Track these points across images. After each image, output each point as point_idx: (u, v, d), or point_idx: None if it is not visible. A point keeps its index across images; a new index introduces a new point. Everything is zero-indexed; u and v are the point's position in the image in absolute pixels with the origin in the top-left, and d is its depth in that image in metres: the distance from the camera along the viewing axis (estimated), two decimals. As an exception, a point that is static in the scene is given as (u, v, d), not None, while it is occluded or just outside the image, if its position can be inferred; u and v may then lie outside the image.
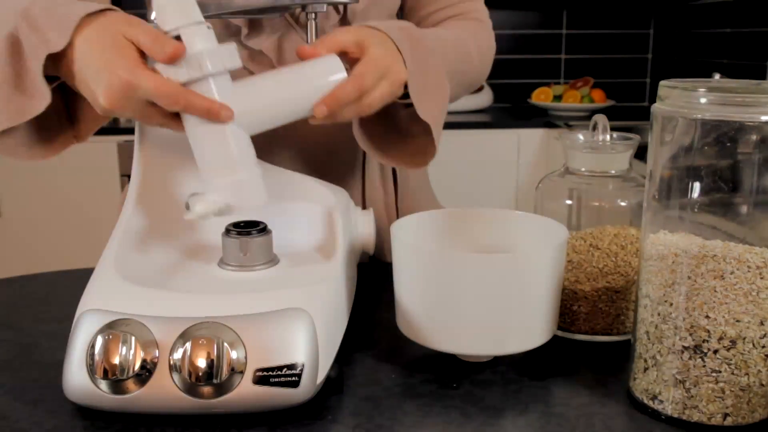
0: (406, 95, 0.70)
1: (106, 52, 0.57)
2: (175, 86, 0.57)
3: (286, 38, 0.83)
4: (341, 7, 0.84)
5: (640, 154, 0.67)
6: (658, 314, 0.54)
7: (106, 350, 0.53)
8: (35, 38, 0.59)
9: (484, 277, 0.57)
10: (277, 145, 0.84)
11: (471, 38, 0.88)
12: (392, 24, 0.71)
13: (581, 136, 0.69)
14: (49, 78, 0.61)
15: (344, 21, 0.85)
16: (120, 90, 0.56)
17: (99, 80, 0.57)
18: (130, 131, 2.34)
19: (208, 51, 0.59)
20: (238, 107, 0.61)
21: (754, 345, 0.51)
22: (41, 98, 0.59)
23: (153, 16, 0.68)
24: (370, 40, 0.66)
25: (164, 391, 0.53)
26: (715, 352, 0.51)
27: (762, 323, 0.50)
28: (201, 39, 0.59)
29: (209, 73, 0.59)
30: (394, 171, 0.94)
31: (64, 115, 0.67)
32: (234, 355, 0.52)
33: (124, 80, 0.56)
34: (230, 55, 0.60)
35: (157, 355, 0.53)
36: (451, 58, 0.80)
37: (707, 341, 0.51)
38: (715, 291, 0.51)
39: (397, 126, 0.76)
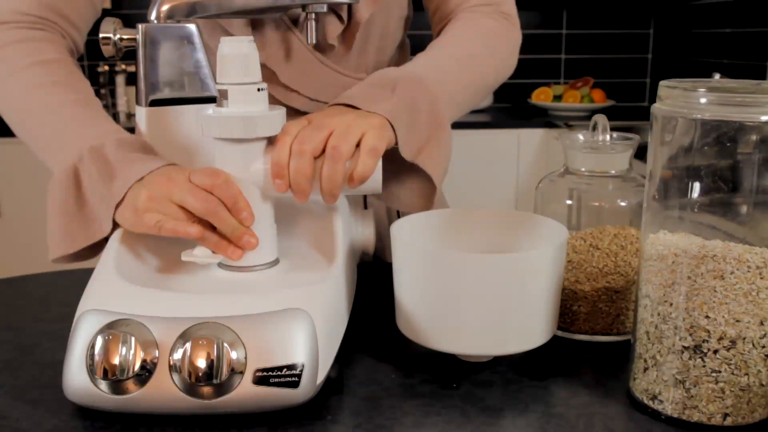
0: None
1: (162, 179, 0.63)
2: (206, 194, 0.60)
3: (287, 47, 0.83)
4: (345, 16, 0.83)
5: (640, 154, 0.67)
6: (658, 314, 0.54)
7: (106, 350, 0.53)
8: (102, 187, 0.65)
9: (484, 277, 0.57)
10: None
11: (478, 41, 0.86)
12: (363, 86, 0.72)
13: (581, 136, 0.69)
14: None
15: (348, 29, 0.85)
16: (160, 189, 0.61)
17: (144, 185, 0.62)
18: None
19: (243, 116, 0.61)
20: (264, 175, 0.63)
21: (754, 345, 0.51)
22: (101, 231, 0.66)
23: (153, 16, 0.68)
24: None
25: (164, 392, 0.53)
26: (715, 352, 0.51)
27: (762, 323, 0.50)
28: (245, 102, 0.61)
29: (240, 138, 0.61)
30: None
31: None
32: (234, 355, 0.52)
33: (165, 182, 0.61)
34: (269, 123, 0.62)
35: (157, 355, 0.53)
36: (451, 76, 0.80)
37: (707, 341, 0.51)
38: (715, 291, 0.51)
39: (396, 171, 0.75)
